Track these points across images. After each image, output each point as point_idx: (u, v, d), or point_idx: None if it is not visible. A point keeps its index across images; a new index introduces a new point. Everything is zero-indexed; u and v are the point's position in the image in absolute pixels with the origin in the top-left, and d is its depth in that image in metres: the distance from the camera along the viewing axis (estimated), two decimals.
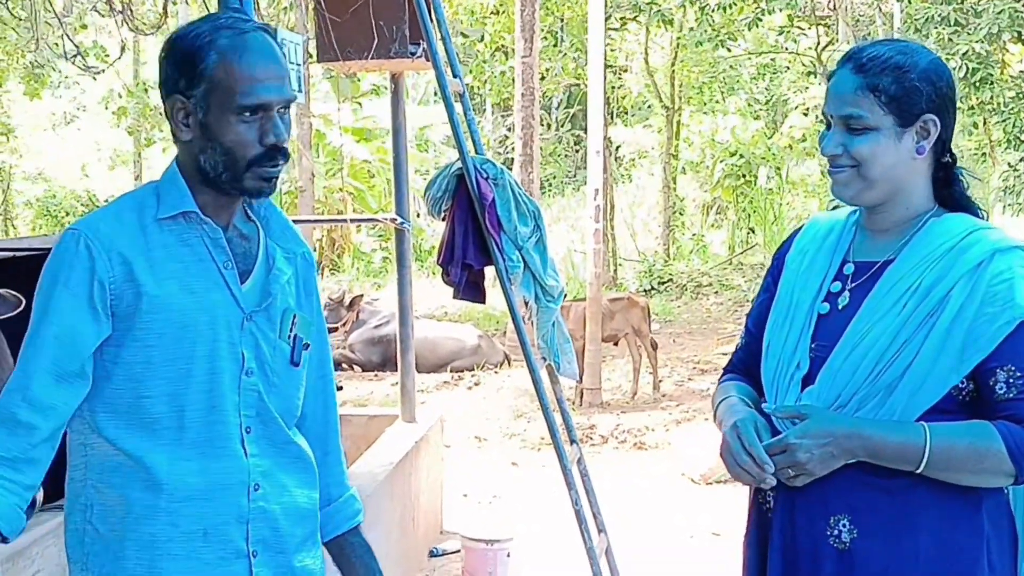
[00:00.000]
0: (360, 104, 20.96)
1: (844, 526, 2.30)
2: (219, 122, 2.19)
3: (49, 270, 2.21)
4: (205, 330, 2.22)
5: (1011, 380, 2.22)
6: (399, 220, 6.09)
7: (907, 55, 2.35)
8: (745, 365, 2.60)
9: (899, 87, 2.32)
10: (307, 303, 2.41)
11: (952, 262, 2.29)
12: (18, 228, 22.46)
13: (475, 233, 4.96)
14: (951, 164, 2.41)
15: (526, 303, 5.12)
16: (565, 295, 5.35)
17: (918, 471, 2.24)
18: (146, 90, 19.88)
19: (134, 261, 2.19)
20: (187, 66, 2.19)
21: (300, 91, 3.92)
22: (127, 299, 2.19)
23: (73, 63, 6.19)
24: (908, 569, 2.27)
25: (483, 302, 5.20)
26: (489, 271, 5.14)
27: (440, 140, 23.28)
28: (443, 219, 5.07)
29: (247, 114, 2.20)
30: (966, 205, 2.41)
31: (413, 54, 5.48)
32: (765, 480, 2.32)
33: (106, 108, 20.83)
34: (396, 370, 11.78)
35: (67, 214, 21.81)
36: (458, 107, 5.07)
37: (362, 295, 13.76)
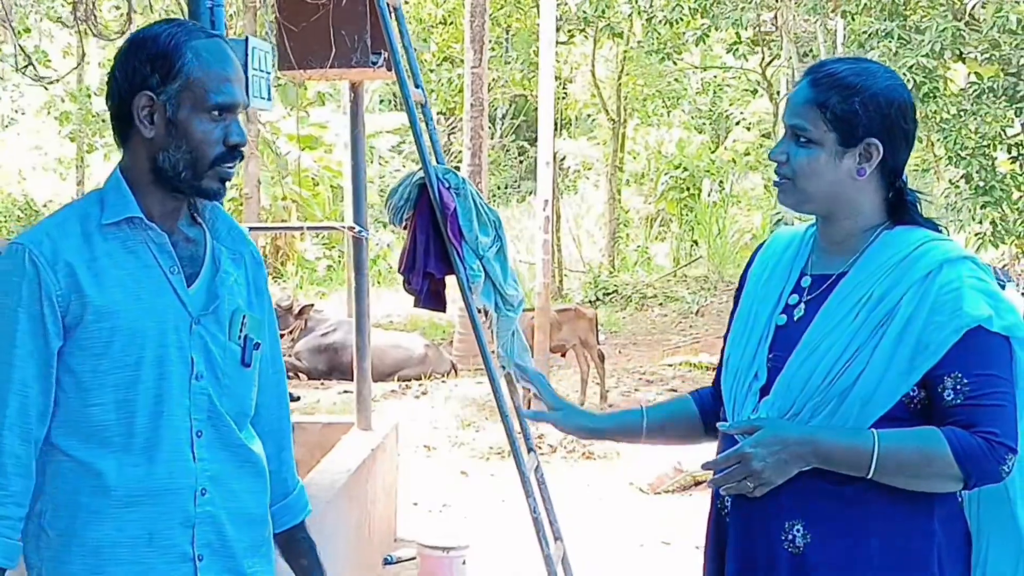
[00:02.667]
0: (307, 112, 20.91)
1: (798, 531, 2.38)
2: (189, 119, 2.24)
3: None
4: (152, 336, 2.25)
5: (958, 387, 2.30)
6: (357, 228, 6.11)
7: (861, 77, 2.40)
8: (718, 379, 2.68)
9: (844, 107, 2.38)
10: (258, 302, 2.44)
11: (903, 273, 2.37)
12: None
13: (436, 242, 5.00)
14: (903, 189, 2.47)
15: (486, 312, 5.17)
16: (524, 305, 5.40)
17: (869, 476, 2.31)
18: (89, 95, 19.70)
19: (79, 271, 2.21)
20: (162, 63, 2.23)
21: (269, 99, 3.94)
22: (74, 310, 2.21)
23: (24, 73, 6.16)
24: (860, 573, 2.35)
25: (444, 311, 5.24)
26: (449, 280, 5.17)
27: (387, 148, 23.25)
28: (404, 228, 5.10)
29: (216, 113, 2.25)
30: (920, 222, 2.48)
31: (374, 63, 5.52)
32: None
33: (48, 113, 20.61)
34: (343, 378, 11.91)
35: (4, 219, 21.54)
36: (420, 117, 5.11)
37: (312, 304, 13.74)
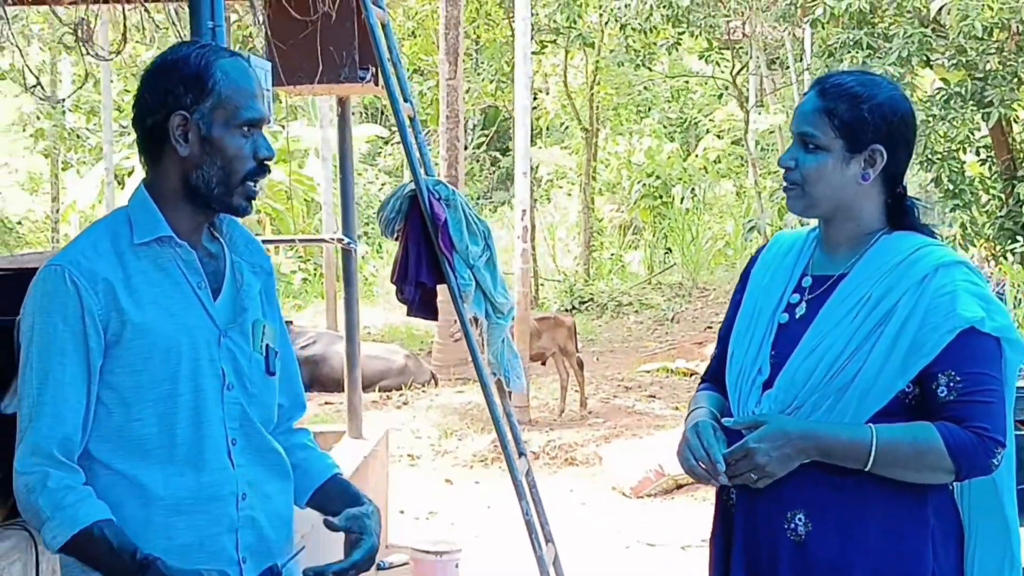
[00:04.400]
0: (283, 127, 20.96)
1: (800, 520, 2.51)
2: (223, 136, 2.33)
3: (39, 308, 2.28)
4: (186, 351, 2.33)
5: (951, 384, 2.44)
6: (346, 240, 6.20)
7: (867, 87, 2.57)
8: (717, 373, 2.79)
9: (852, 114, 2.53)
10: (271, 312, 2.53)
11: (900, 276, 2.51)
12: None
13: (428, 253, 5.10)
14: (903, 195, 2.62)
15: (476, 320, 5.28)
16: (515, 313, 5.52)
17: (866, 469, 2.45)
18: (63, 113, 19.70)
19: (117, 289, 2.28)
20: (195, 83, 2.32)
21: (269, 115, 4.04)
22: (114, 327, 2.28)
23: (32, 93, 6.23)
24: (858, 559, 2.48)
25: (436, 319, 5.35)
26: (440, 289, 5.28)
27: (358, 160, 23.31)
28: (396, 239, 5.21)
29: (246, 128, 2.35)
30: (918, 228, 2.63)
31: (363, 79, 5.62)
32: (719, 478, 2.51)
33: (23, 130, 20.58)
34: (323, 390, 11.97)
35: None
36: (410, 131, 5.22)
37: (291, 321, 13.78)
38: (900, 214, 2.62)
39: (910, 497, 2.49)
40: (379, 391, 12.42)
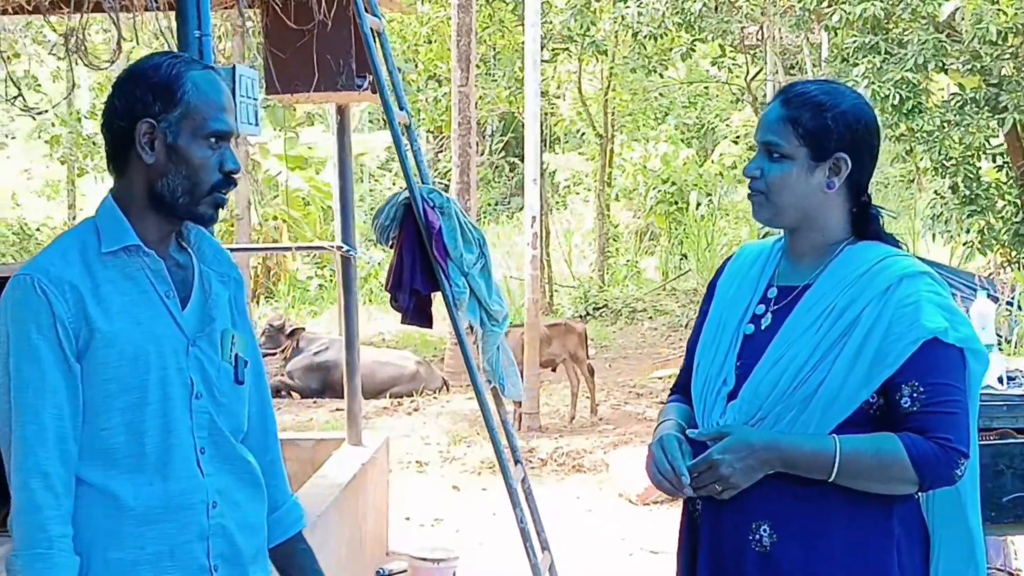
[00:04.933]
0: (296, 133, 21.02)
1: (765, 531, 2.50)
2: (189, 146, 2.33)
3: (11, 318, 2.28)
4: (154, 359, 2.33)
5: (915, 395, 2.44)
6: (345, 248, 6.22)
7: (831, 96, 2.57)
8: (685, 385, 2.80)
9: (815, 123, 2.53)
10: (241, 322, 2.53)
11: (864, 286, 2.51)
12: None
13: (422, 260, 5.11)
14: (867, 203, 2.61)
15: (471, 328, 5.28)
16: (509, 320, 5.52)
17: (830, 480, 2.45)
18: (79, 119, 19.79)
19: (86, 298, 2.29)
20: (164, 92, 2.33)
21: (256, 124, 4.06)
22: (83, 336, 2.28)
23: (13, 103, 6.25)
24: (823, 570, 2.48)
25: (430, 327, 5.35)
26: (436, 297, 5.29)
27: (375, 167, 23.37)
28: (391, 247, 5.22)
29: (213, 140, 2.36)
30: (883, 237, 2.62)
31: (360, 86, 5.64)
32: (684, 491, 2.52)
33: (38, 137, 20.70)
34: (334, 396, 12.00)
35: (0, 243, 21.61)
36: (404, 139, 5.23)
37: (303, 327, 13.81)
38: (865, 223, 2.61)
39: (875, 508, 2.48)
40: (390, 397, 12.44)
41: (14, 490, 2.26)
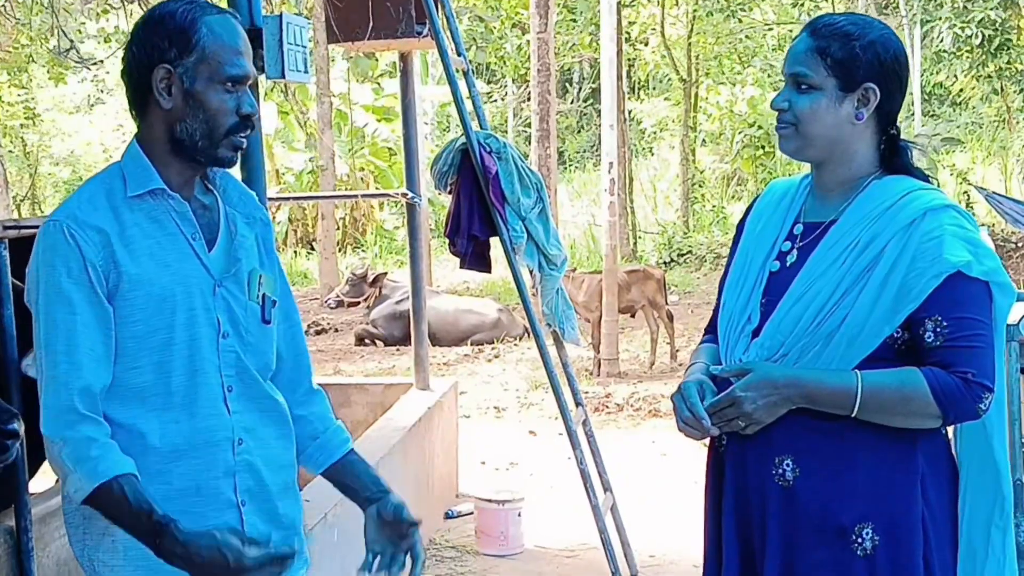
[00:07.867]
0: (380, 84, 21.12)
1: (788, 466, 2.52)
2: (206, 91, 2.37)
3: (42, 263, 2.33)
4: (181, 300, 2.38)
5: (938, 329, 2.42)
6: (410, 195, 6.27)
7: (858, 26, 2.55)
8: (716, 324, 2.80)
9: (844, 52, 2.51)
10: (268, 262, 2.57)
11: (888, 221, 2.49)
12: (46, 211, 22.72)
13: (480, 205, 5.15)
14: (896, 136, 2.59)
15: (531, 272, 5.31)
16: (568, 263, 5.54)
17: (853, 415, 2.44)
18: None
19: (113, 242, 2.34)
20: (179, 37, 2.36)
21: (306, 72, 4.10)
22: (112, 279, 2.34)
23: (67, 58, 6.32)
24: (846, 504, 2.48)
25: (489, 271, 5.39)
26: (494, 242, 5.32)
27: None
28: (449, 192, 5.26)
29: (230, 84, 2.39)
30: (911, 171, 2.60)
31: (420, 33, 5.66)
32: (709, 431, 2.54)
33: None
34: None
35: None
36: (463, 84, 5.25)
37: (386, 273, 13.96)
38: (893, 156, 2.59)
39: (899, 443, 2.47)
40: (472, 345, 12.54)
41: (52, 429, 2.30)
